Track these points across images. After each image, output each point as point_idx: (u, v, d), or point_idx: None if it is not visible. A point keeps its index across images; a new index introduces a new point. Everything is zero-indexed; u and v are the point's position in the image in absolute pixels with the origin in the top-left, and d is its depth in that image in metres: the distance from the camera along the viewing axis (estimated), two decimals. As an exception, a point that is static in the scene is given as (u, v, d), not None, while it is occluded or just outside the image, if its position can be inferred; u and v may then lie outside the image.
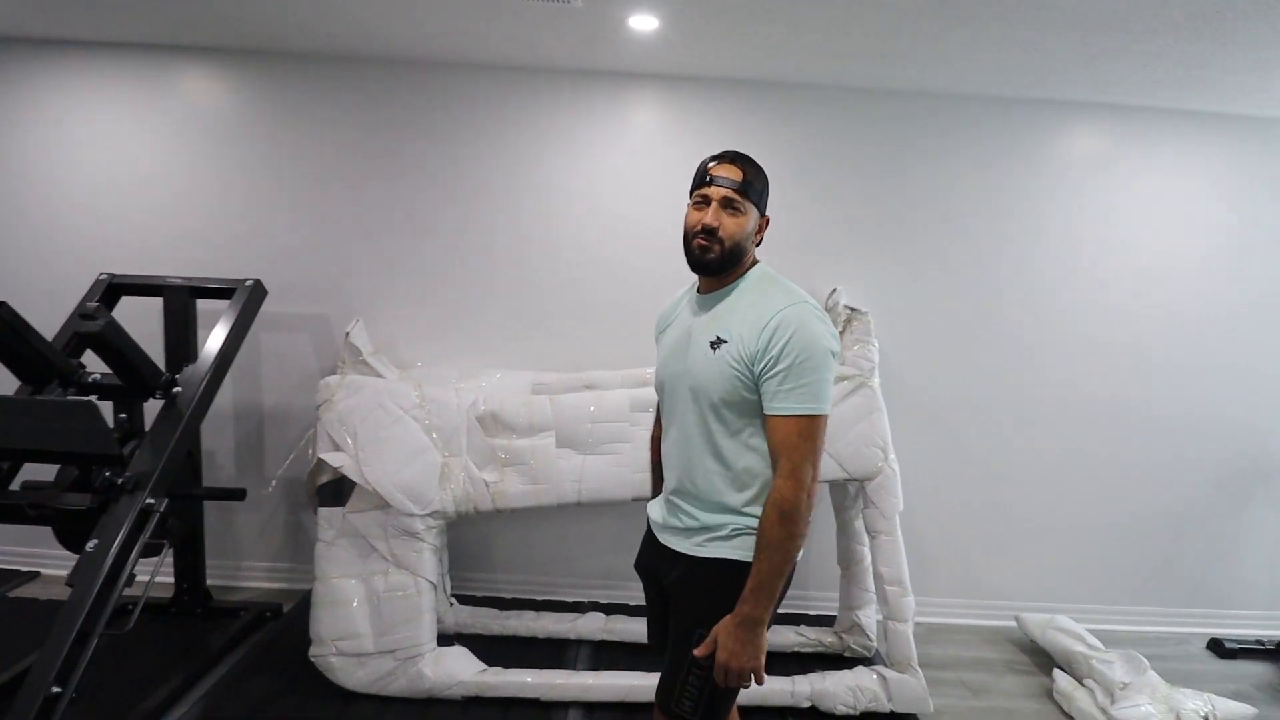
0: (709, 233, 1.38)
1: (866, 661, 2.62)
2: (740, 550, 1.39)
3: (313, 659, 2.29)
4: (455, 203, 2.87)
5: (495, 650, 2.58)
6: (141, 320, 2.59)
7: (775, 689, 2.35)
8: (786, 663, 2.61)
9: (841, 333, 2.65)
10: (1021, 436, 3.05)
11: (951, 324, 2.98)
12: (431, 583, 2.35)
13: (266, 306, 2.67)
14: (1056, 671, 2.65)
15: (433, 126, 2.83)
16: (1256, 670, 2.88)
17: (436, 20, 2.36)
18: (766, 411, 1.33)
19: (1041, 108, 2.86)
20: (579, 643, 2.68)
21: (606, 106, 2.82)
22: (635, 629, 2.70)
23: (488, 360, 2.89)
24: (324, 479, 2.38)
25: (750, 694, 2.34)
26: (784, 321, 1.31)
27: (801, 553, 1.41)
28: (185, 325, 2.53)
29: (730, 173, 1.40)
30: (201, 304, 2.61)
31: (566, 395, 2.52)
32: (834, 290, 2.77)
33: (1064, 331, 3.00)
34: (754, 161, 1.44)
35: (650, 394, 2.50)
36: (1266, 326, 3.01)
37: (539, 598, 3.01)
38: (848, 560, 2.72)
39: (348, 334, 2.57)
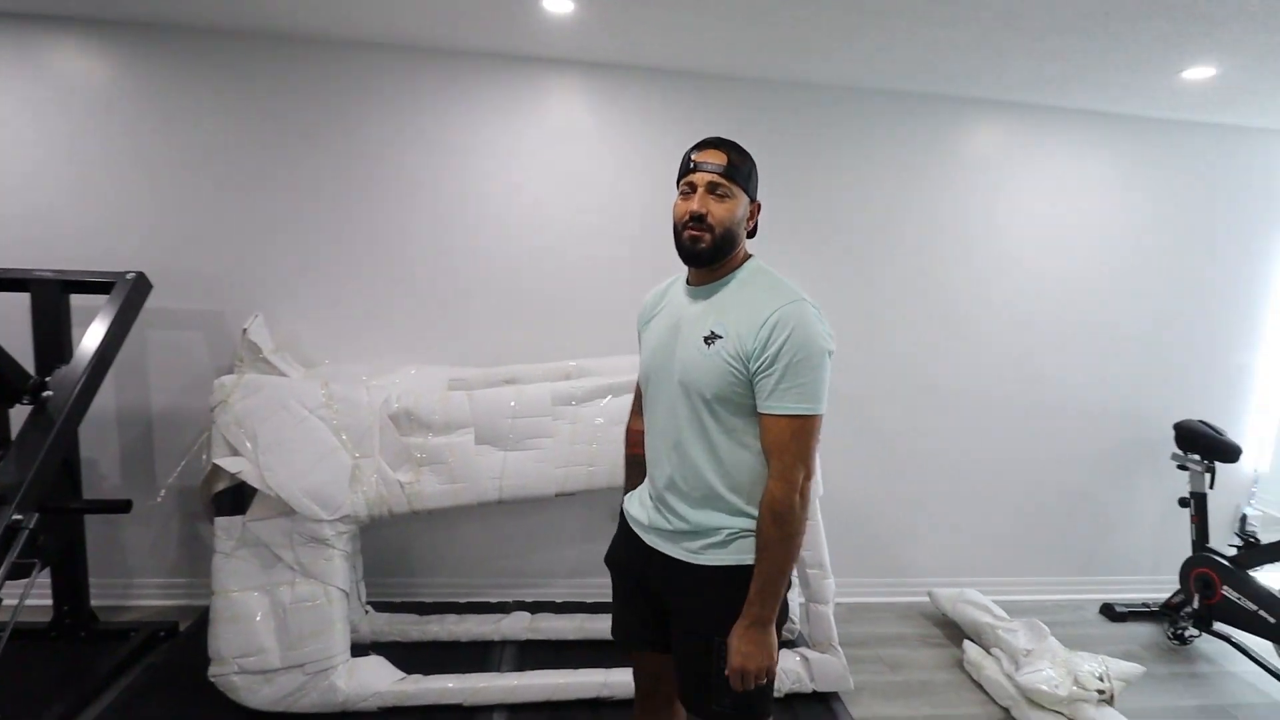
0: (698, 220, 1.33)
1: (790, 644, 2.67)
2: (739, 554, 1.36)
3: (212, 679, 2.14)
4: (366, 190, 2.71)
5: (415, 657, 2.48)
6: (7, 319, 2.34)
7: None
8: (713, 651, 2.62)
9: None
10: (930, 422, 3.18)
11: (861, 313, 3.07)
12: (343, 591, 2.23)
13: (153, 302, 2.47)
14: (966, 642, 2.77)
15: (337, 109, 2.66)
16: (1144, 631, 3.12)
17: (337, -6, 2.22)
18: (761, 410, 1.30)
19: (950, 103, 2.97)
20: (503, 644, 2.61)
21: (527, 93, 2.74)
22: (561, 626, 2.65)
23: (402, 356, 2.77)
24: (220, 486, 2.23)
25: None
26: (783, 319, 1.28)
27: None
28: (57, 323, 2.30)
29: (714, 158, 1.35)
30: (77, 300, 2.38)
31: (486, 391, 2.44)
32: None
33: (967, 321, 3.14)
34: (739, 146, 1.39)
35: (571, 387, 2.46)
36: (1148, 316, 3.24)
37: (462, 600, 2.92)
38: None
39: (245, 330, 2.40)
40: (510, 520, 2.94)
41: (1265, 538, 2.90)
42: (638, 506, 1.52)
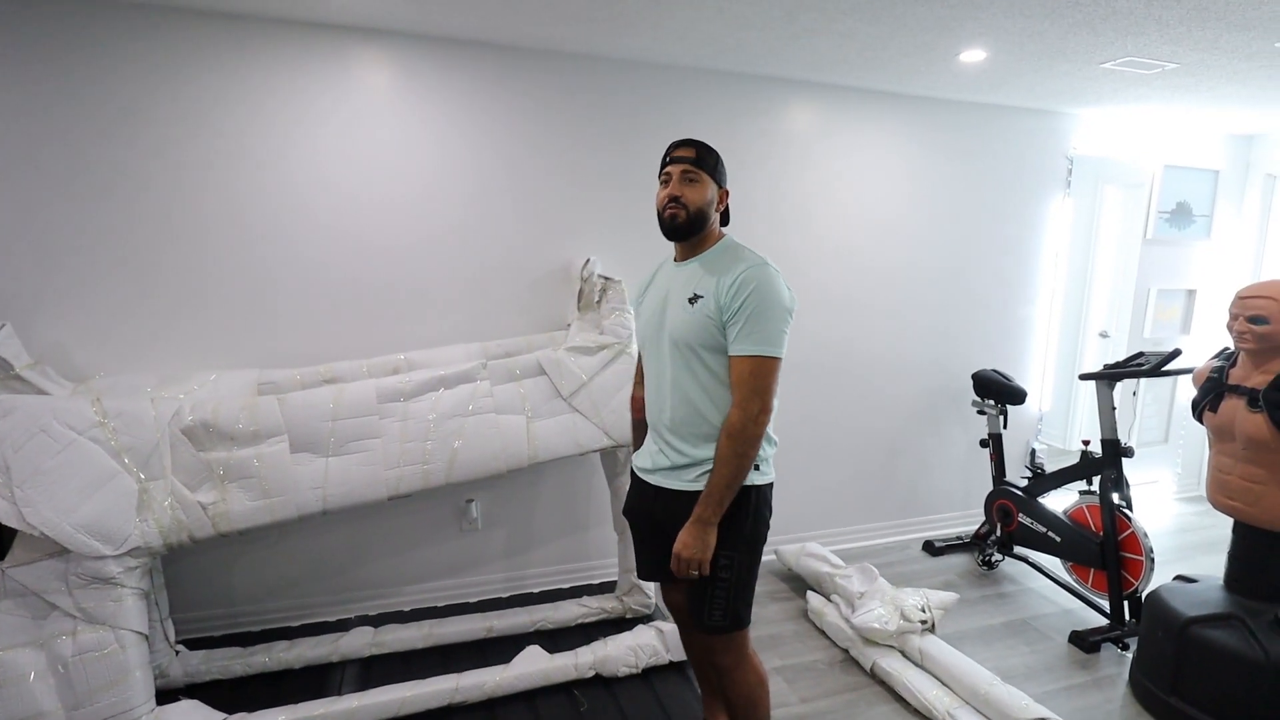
0: (675, 200, 1.64)
1: (647, 619, 2.70)
2: None
3: (-24, 758, 1.81)
4: (138, 175, 2.34)
5: (241, 694, 2.26)
6: None
7: (558, 665, 2.33)
8: (572, 636, 2.60)
9: (598, 302, 2.65)
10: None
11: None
12: (140, 634, 1.96)
13: None
14: (809, 593, 2.95)
15: (101, 81, 2.26)
16: (959, 561, 3.47)
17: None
18: (729, 353, 1.59)
19: (765, 83, 3.07)
20: (344, 664, 2.42)
21: (328, 64, 2.48)
22: (408, 636, 2.51)
23: (202, 362, 2.46)
24: (-34, 531, 1.87)
25: (534, 675, 2.29)
26: (747, 278, 1.57)
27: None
28: None
29: (685, 152, 1.68)
30: None
31: (300, 393, 2.22)
32: (588, 261, 2.76)
33: (797, 289, 3.29)
34: (705, 143, 1.69)
35: (399, 382, 2.30)
36: (945, 278, 3.58)
37: (295, 624, 2.68)
38: (622, 525, 2.76)
39: (-13, 344, 2.02)
40: (343, 531, 2.73)
41: (1050, 468, 3.31)
42: (644, 457, 1.79)
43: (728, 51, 2.73)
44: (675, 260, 1.76)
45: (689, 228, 1.66)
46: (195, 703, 2.05)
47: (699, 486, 1.64)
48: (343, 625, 2.64)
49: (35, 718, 1.84)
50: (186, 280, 2.44)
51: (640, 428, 1.89)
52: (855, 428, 3.53)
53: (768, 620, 2.88)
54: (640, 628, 2.51)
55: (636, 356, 2.59)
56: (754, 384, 1.56)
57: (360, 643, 2.45)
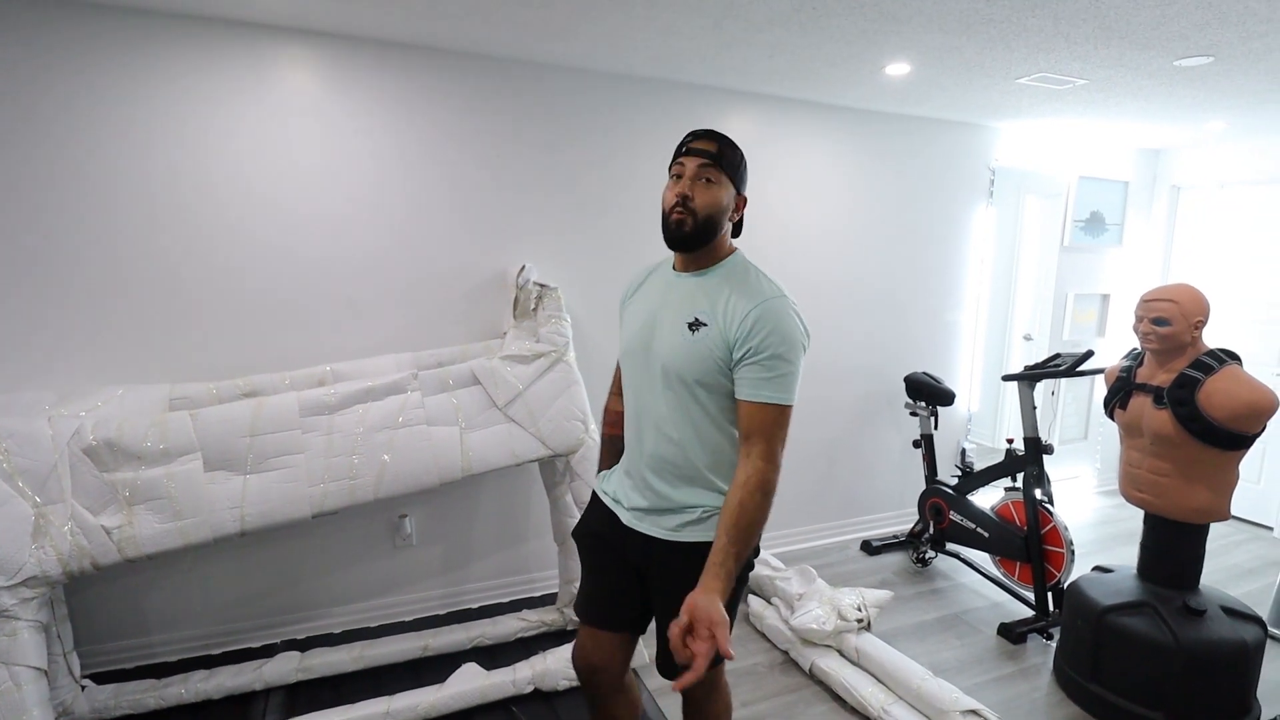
0: (683, 202, 1.40)
1: (588, 631, 2.66)
2: (715, 531, 1.41)
3: None
4: (35, 176, 2.18)
5: (154, 728, 2.12)
6: None
7: (496, 682, 2.28)
8: (511, 651, 2.55)
9: (534, 309, 2.62)
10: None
11: (616, 299, 3.11)
12: (37, 669, 1.82)
13: None
14: (750, 596, 2.96)
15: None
16: (895, 560, 3.55)
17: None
18: (743, 397, 1.38)
19: (699, 92, 3.10)
20: (267, 692, 2.31)
21: (245, 64, 2.37)
22: (337, 659, 2.41)
23: (106, 376, 2.31)
24: None
25: (470, 693, 2.23)
26: (766, 313, 1.36)
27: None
28: None
29: (705, 145, 1.42)
30: None
31: (215, 408, 2.11)
32: (523, 268, 2.72)
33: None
34: (730, 139, 1.45)
35: (324, 394, 2.21)
36: (877, 285, 3.67)
37: (216, 652, 2.54)
38: (562, 535, 2.72)
39: None
40: (266, 551, 2.60)
41: (978, 466, 3.43)
42: (615, 484, 1.60)
43: (660, 59, 2.74)
44: (675, 269, 1.52)
45: (696, 238, 1.42)
46: (100, 742, 1.92)
47: (687, 538, 1.46)
48: (267, 651, 2.52)
49: (-85, 768, 1.69)
50: (92, 291, 2.29)
51: (613, 444, 1.70)
52: (795, 433, 3.55)
53: (709, 626, 2.88)
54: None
55: (573, 364, 2.58)
56: (778, 435, 1.39)
57: (286, 668, 2.34)
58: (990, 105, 3.35)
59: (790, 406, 1.41)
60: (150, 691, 2.21)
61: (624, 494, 1.55)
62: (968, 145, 3.77)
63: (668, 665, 1.50)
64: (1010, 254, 4.78)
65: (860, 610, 2.62)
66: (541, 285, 2.65)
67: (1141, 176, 4.40)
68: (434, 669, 2.42)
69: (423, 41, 2.56)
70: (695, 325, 1.41)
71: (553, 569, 3.00)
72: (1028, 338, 4.62)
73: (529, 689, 2.31)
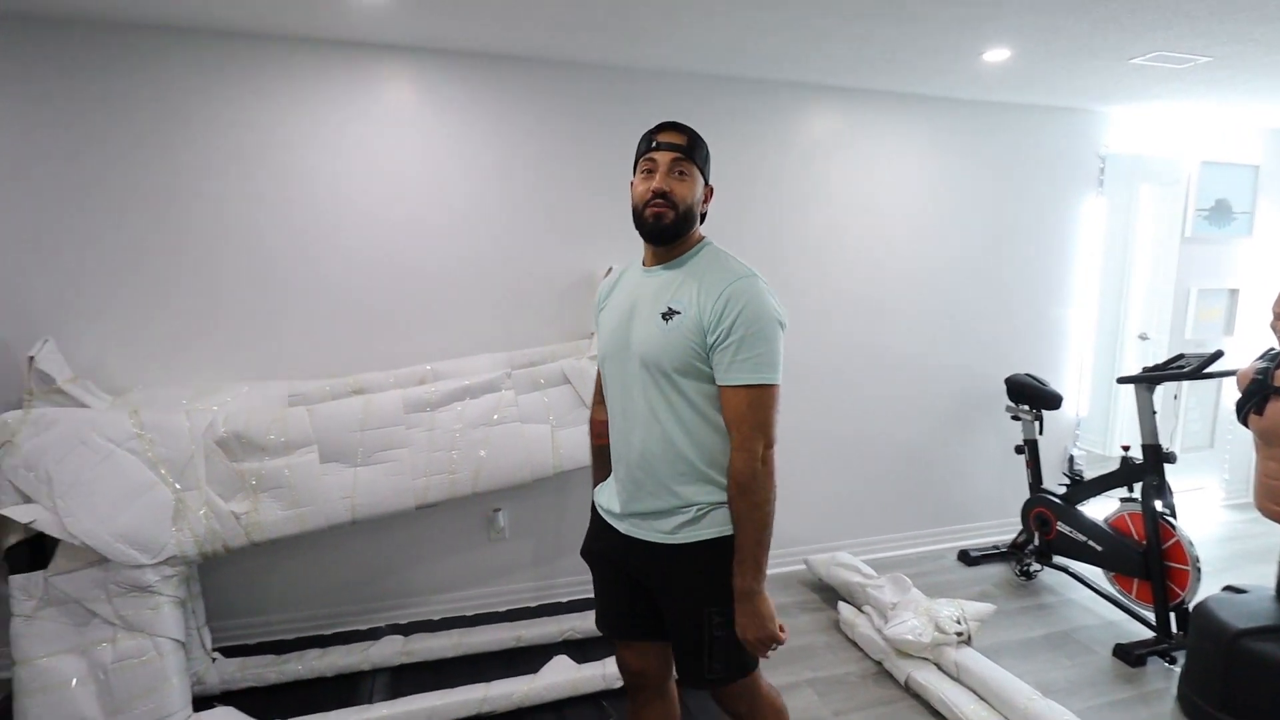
0: (661, 196, 1.38)
1: (675, 630, 2.68)
2: (712, 528, 1.40)
3: (22, 761, 1.86)
4: (174, 191, 2.41)
5: (275, 701, 2.29)
6: None
7: (586, 675, 2.32)
8: (600, 646, 2.59)
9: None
10: (789, 393, 3.26)
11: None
12: (177, 641, 2.01)
13: (-91, 335, 2.11)
14: (840, 604, 2.89)
15: (132, 102, 2.35)
16: (995, 571, 3.38)
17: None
18: (722, 383, 1.35)
19: (785, 88, 3.07)
20: (374, 672, 2.44)
21: (350, 81, 2.54)
22: (438, 645, 2.52)
23: (233, 373, 2.52)
24: (13, 540, 1.93)
25: (561, 685, 2.28)
26: (735, 294, 1.33)
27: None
28: None
29: (674, 138, 1.41)
30: None
31: (328, 404, 2.27)
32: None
33: (816, 295, 3.26)
34: (695, 130, 1.44)
35: (425, 393, 2.33)
36: (976, 282, 3.51)
37: (327, 632, 2.71)
38: (649, 535, 2.75)
39: (32, 359, 2.09)
40: (372, 540, 2.76)
41: (1089, 475, 3.22)
42: (609, 497, 1.54)
43: (742, 57, 2.73)
44: (645, 265, 1.50)
45: (675, 230, 1.41)
46: (231, 710, 2.09)
47: (684, 538, 1.40)
48: (373, 634, 2.66)
49: (76, 723, 1.89)
50: (220, 295, 2.51)
51: (602, 455, 1.62)
52: (885, 434, 3.48)
53: (799, 631, 2.83)
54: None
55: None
56: (755, 418, 1.32)
57: (390, 651, 2.47)
58: (1100, 89, 3.15)
59: (773, 386, 1.35)
60: (271, 666, 2.39)
61: (618, 502, 1.49)
62: (1074, 132, 3.55)
63: (685, 669, 1.48)
64: (1123, 246, 4.46)
65: (960, 623, 2.51)
66: (628, 286, 2.69)
67: (1274, 159, 4.01)
68: (526, 659, 2.49)
69: (510, 51, 2.65)
70: (669, 314, 1.38)
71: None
72: (1143, 337, 4.29)
73: (618, 684, 2.34)
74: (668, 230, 1.40)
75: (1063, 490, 3.18)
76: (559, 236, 2.84)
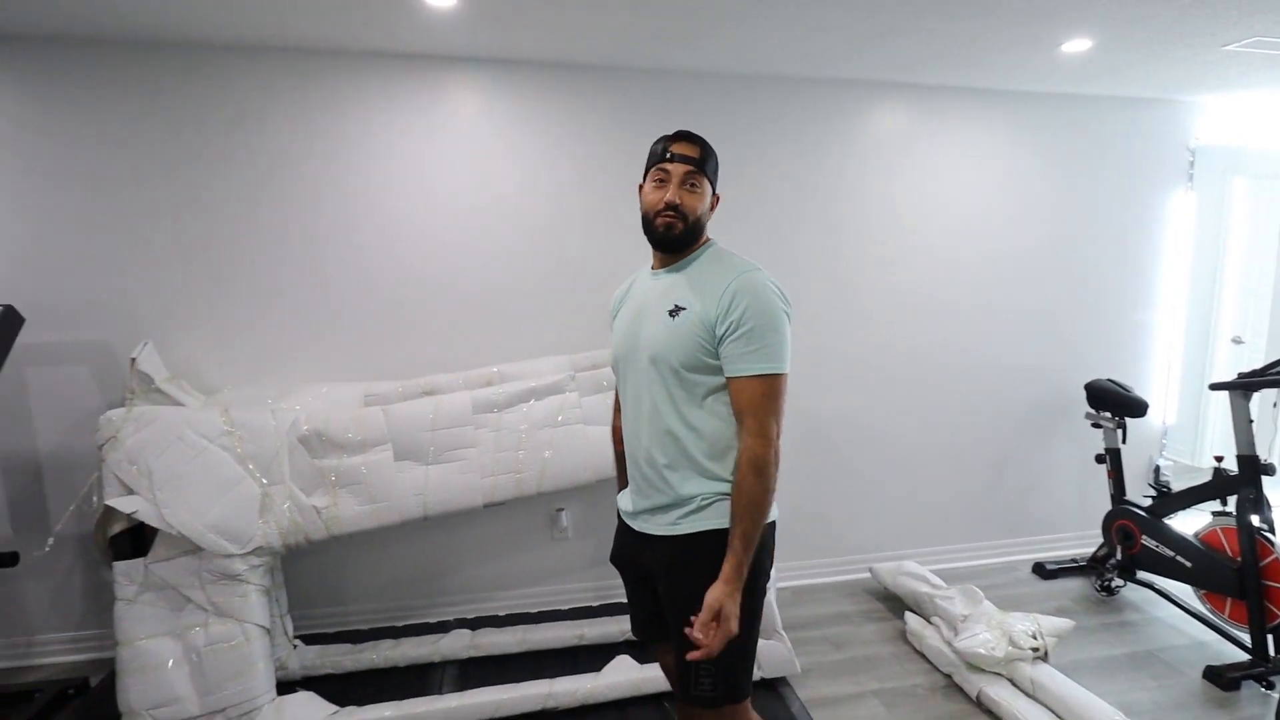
0: (673, 208, 1.42)
1: (736, 634, 2.66)
2: (714, 518, 1.40)
3: (125, 734, 2.00)
4: (258, 203, 2.57)
5: (351, 688, 2.38)
6: None
7: (649, 676, 2.33)
8: (660, 649, 2.60)
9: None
10: (854, 396, 3.23)
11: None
12: (263, 627, 2.12)
13: (30, 337, 2.30)
14: (908, 614, 2.82)
15: (220, 118, 2.51)
16: (1074, 586, 3.23)
17: None
18: (730, 374, 1.37)
19: (847, 87, 3.02)
20: (444, 664, 2.52)
21: (426, 92, 2.64)
22: (503, 640, 2.59)
23: (313, 374, 2.64)
24: (117, 528, 2.08)
25: (624, 685, 2.30)
26: (741, 288, 1.36)
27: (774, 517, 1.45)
28: (-82, 368, 2.11)
29: (688, 150, 1.44)
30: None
31: (402, 404, 2.35)
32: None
33: (877, 301, 3.19)
34: (707, 141, 1.48)
35: (492, 394, 2.39)
36: (1051, 283, 3.37)
37: (399, 624, 2.81)
38: (710, 538, 2.75)
39: (134, 360, 2.25)
40: (441, 536, 2.84)
41: (1177, 486, 3.04)
42: (625, 499, 1.58)
43: (804, 56, 2.69)
44: (653, 269, 1.54)
45: (684, 240, 1.45)
46: (311, 695, 2.19)
47: (685, 529, 1.41)
48: (442, 627, 2.75)
49: (172, 702, 2.01)
50: (299, 301, 2.65)
51: (622, 461, 1.64)
52: (956, 441, 3.37)
53: (864, 641, 2.78)
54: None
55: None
56: (770, 406, 1.35)
57: (459, 645, 2.55)
58: (1189, 78, 2.98)
59: (781, 375, 1.38)
60: (348, 655, 2.50)
61: (631, 501, 1.54)
62: (1160, 124, 3.37)
63: (682, 689, 1.43)
64: (1214, 244, 4.18)
65: (1036, 638, 2.42)
66: (691, 289, 2.69)
67: (1393, 149, 3.70)
68: (589, 657, 2.53)
69: (566, 59, 2.70)
70: (675, 311, 1.42)
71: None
72: (1238, 340, 4.01)
73: (679, 686, 2.34)
74: (677, 240, 1.45)
75: (1148, 502, 3.01)
76: (618, 242, 2.87)
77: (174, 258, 2.53)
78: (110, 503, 1.99)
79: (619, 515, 1.63)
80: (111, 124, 2.44)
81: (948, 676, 2.52)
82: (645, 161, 1.51)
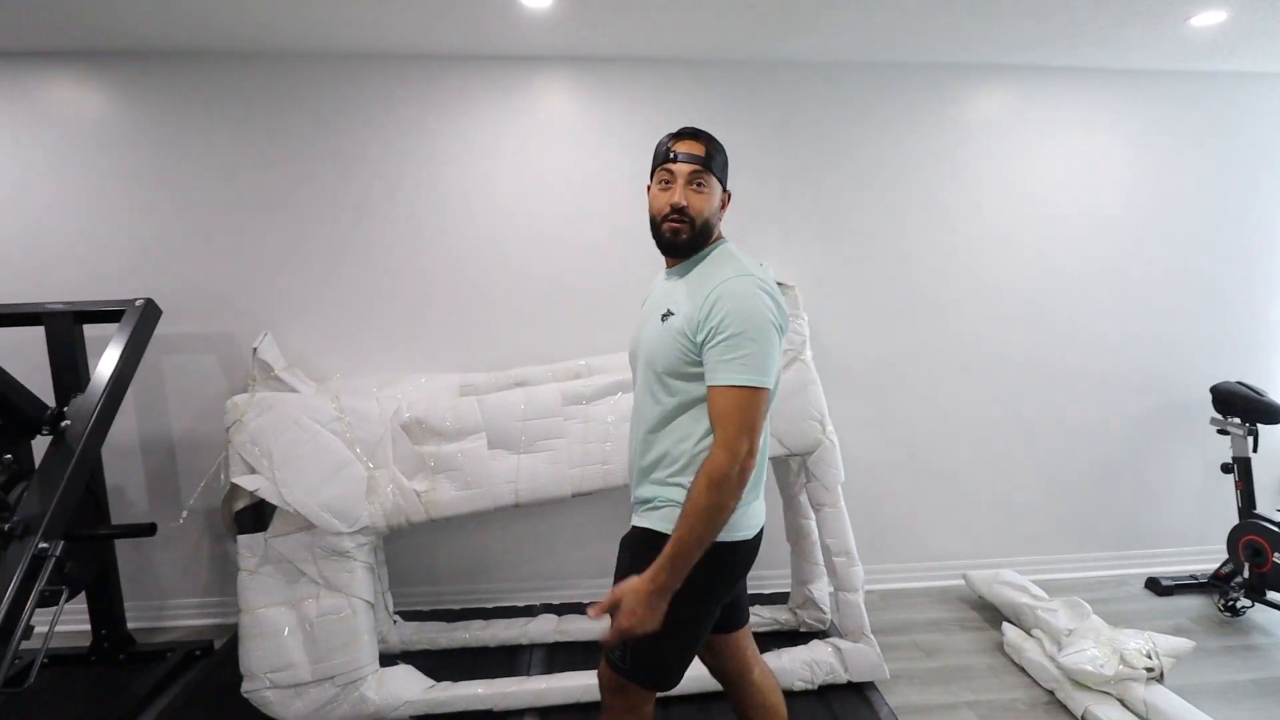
0: (679, 211, 1.38)
1: (822, 635, 2.62)
2: (660, 521, 1.39)
3: (245, 694, 2.16)
4: (364, 202, 2.73)
5: (444, 664, 2.49)
6: (24, 352, 2.40)
7: (731, 672, 2.32)
8: (743, 645, 2.58)
9: (772, 309, 2.63)
10: (952, 398, 3.10)
11: (874, 292, 3.00)
12: (368, 602, 2.24)
13: (165, 328, 2.51)
14: (1005, 625, 2.69)
15: (330, 123, 2.68)
16: (1192, 604, 3.00)
17: (324, 8, 2.23)
18: (707, 382, 1.31)
19: (946, 71, 2.89)
20: (532, 647, 2.60)
21: (519, 93, 2.73)
22: (589, 627, 2.64)
23: (412, 365, 2.78)
24: (241, 504, 2.25)
25: (705, 678, 2.29)
26: (725, 293, 1.30)
27: (760, 530, 1.43)
28: (72, 354, 2.34)
29: (693, 148, 1.40)
30: (91, 330, 2.43)
31: (495, 395, 2.43)
32: (760, 265, 2.75)
33: (984, 292, 3.05)
34: (713, 136, 1.44)
35: (581, 386, 2.44)
36: (1175, 276, 3.13)
37: (489, 605, 2.92)
38: (795, 535, 2.71)
39: (255, 350, 2.43)
40: (531, 523, 2.93)
41: (1317, 500, 2.77)
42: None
43: (904, 41, 2.60)
44: (666, 269, 1.52)
45: (692, 245, 1.41)
46: (410, 668, 2.31)
47: (635, 522, 1.43)
48: (529, 611, 2.83)
49: (287, 668, 2.16)
50: (401, 295, 2.79)
51: None
52: (1062, 442, 3.18)
53: (956, 650, 2.67)
54: (816, 643, 2.44)
55: (810, 363, 2.55)
56: (741, 420, 1.26)
57: (546, 629, 2.62)
58: (1344, 50, 2.69)
59: (759, 389, 1.28)
60: (442, 632, 2.61)
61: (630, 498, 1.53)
62: (1303, 102, 3.06)
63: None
64: (1368, 236, 3.77)
65: (1151, 657, 2.26)
66: (779, 284, 2.65)
67: None
68: (672, 650, 2.54)
69: (659, 54, 2.70)
70: (666, 315, 1.39)
71: (784, 567, 2.99)
72: (1395, 342, 3.61)
73: (763, 683, 2.33)
74: (683, 246, 1.41)
75: (1282, 516, 2.76)
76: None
77: (291, 257, 2.73)
78: (235, 480, 2.15)
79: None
80: (236, 137, 2.66)
81: (1050, 692, 2.39)
82: (651, 162, 1.48)
